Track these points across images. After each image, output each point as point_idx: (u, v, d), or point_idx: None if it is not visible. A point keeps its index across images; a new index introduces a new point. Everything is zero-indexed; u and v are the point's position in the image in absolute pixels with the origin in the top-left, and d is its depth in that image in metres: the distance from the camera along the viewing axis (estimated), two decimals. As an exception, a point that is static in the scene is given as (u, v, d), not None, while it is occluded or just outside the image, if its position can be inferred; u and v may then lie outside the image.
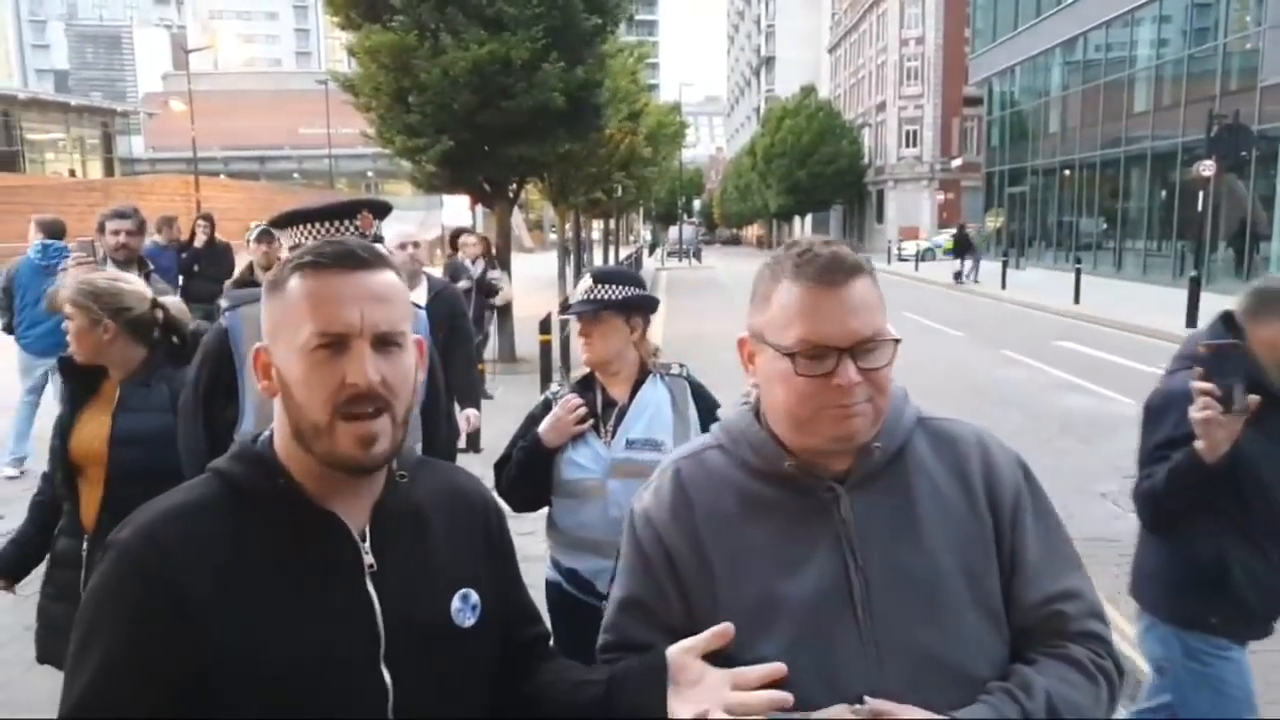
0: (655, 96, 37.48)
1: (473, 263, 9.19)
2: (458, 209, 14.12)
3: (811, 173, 55.70)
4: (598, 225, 35.49)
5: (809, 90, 59.40)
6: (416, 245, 4.51)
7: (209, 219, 8.58)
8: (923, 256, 37.39)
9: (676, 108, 37.45)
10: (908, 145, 55.98)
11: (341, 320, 1.06)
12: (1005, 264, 25.19)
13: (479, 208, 14.61)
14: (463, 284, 8.67)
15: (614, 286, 2.49)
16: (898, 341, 1.23)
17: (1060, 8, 29.82)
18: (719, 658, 1.18)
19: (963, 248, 27.15)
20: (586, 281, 2.53)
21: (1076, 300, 19.10)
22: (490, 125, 10.44)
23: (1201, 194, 17.96)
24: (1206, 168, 16.83)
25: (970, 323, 17.77)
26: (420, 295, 4.23)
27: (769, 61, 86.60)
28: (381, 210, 2.44)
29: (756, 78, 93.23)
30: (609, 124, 15.03)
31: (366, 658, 1.09)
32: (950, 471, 1.30)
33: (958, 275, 26.86)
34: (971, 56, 40.23)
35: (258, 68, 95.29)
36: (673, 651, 1.19)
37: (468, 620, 1.20)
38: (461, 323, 4.55)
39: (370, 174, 64.19)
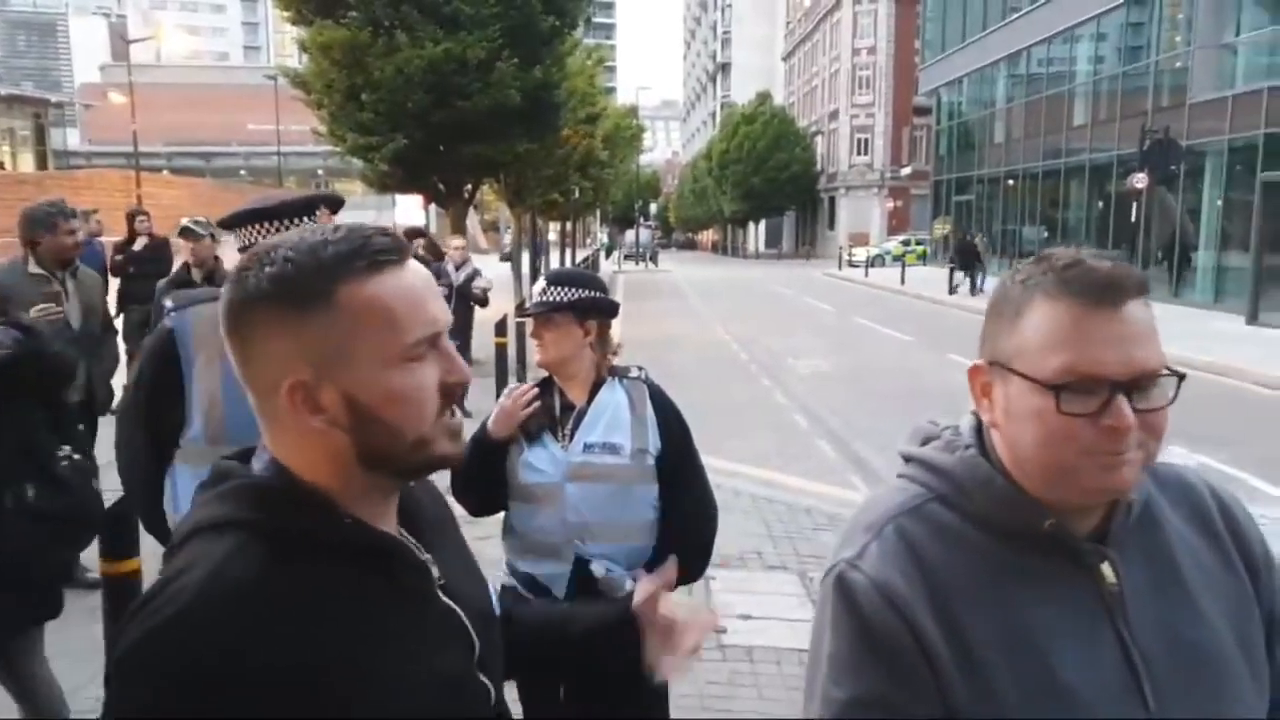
0: (612, 100, 37.59)
1: (457, 268, 9.02)
2: (410, 209, 14.14)
3: (766, 179, 56.34)
4: (555, 227, 35.53)
5: (764, 97, 60.08)
6: None
7: (146, 215, 8.46)
8: (872, 262, 37.99)
9: (633, 111, 37.64)
10: (859, 153, 56.87)
11: (434, 317, 0.94)
12: (952, 270, 25.79)
13: (432, 207, 14.62)
14: (440, 290, 8.55)
15: (567, 288, 2.45)
16: (1182, 378, 1.04)
17: (1005, 23, 30.58)
18: None
19: (968, 259, 24.82)
20: (541, 283, 2.51)
21: (1017, 306, 19.61)
22: (445, 124, 10.51)
23: (1135, 205, 18.62)
24: (1139, 180, 17.47)
25: (918, 327, 18.19)
26: None
27: (725, 67, 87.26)
28: (337, 205, 2.37)
29: (713, 83, 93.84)
30: (566, 125, 15.13)
31: (468, 668, 1.03)
32: (1193, 524, 1.13)
33: (953, 289, 24.83)
34: (921, 67, 40.92)
35: (203, 61, 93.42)
36: (638, 608, 1.23)
37: (497, 608, 1.17)
38: None
39: (320, 172, 63.30)
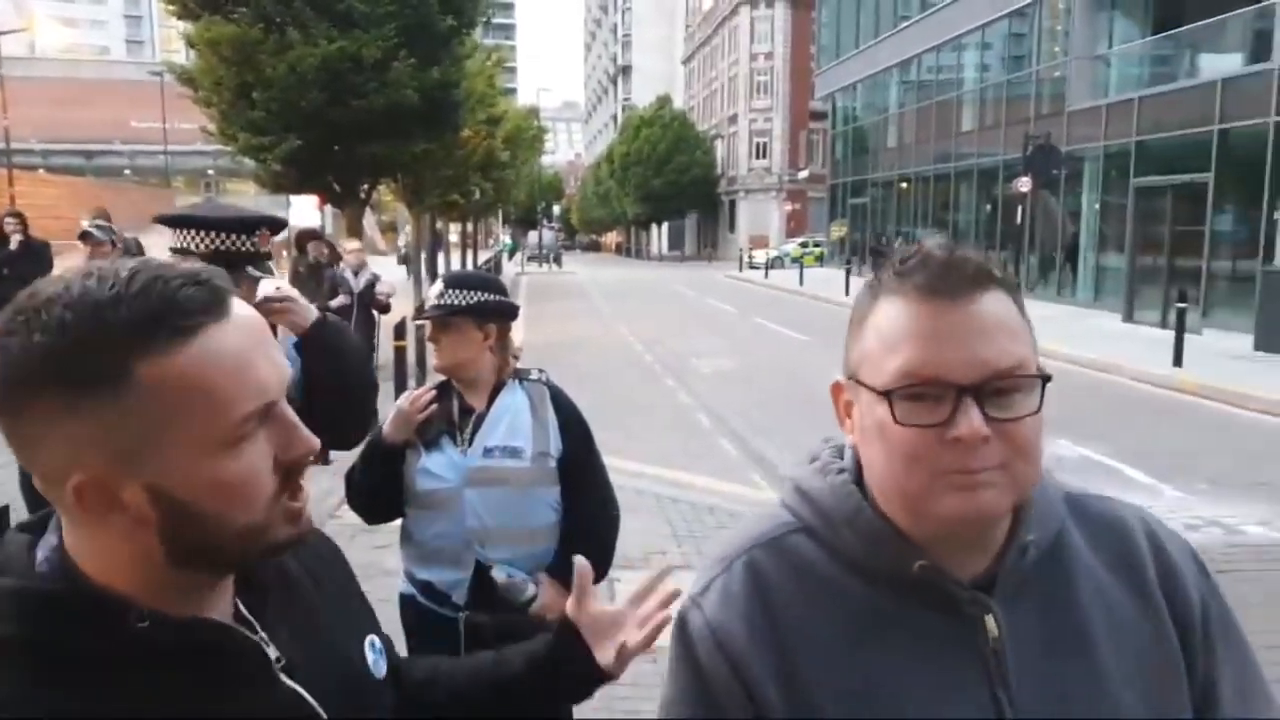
0: (513, 101, 37.35)
1: (355, 274, 8.72)
2: (305, 210, 13.77)
3: (667, 181, 56.83)
4: (455, 228, 35.07)
5: (665, 100, 60.60)
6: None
7: (20, 216, 8.04)
8: (772, 264, 38.70)
9: (534, 112, 37.47)
10: (758, 157, 57.86)
11: (263, 383, 0.79)
12: (848, 272, 26.48)
13: (328, 208, 14.29)
14: (339, 300, 8.19)
15: (466, 291, 2.41)
16: (1046, 379, 0.88)
17: (896, 30, 31.55)
18: None
19: (881, 264, 26.87)
20: (439, 286, 2.47)
21: (911, 306, 20.29)
22: (341, 124, 10.28)
23: (1020, 208, 19.46)
24: (1023, 184, 18.26)
25: (817, 328, 18.62)
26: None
27: (626, 70, 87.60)
28: (279, 228, 2.32)
29: (614, 85, 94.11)
30: (466, 126, 14.98)
31: None
32: (1117, 571, 0.95)
33: None
34: (817, 73, 41.84)
35: (81, 54, 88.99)
36: (573, 614, 1.17)
37: (382, 670, 1.02)
38: None
39: (211, 172, 60.99)
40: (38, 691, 0.73)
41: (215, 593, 0.84)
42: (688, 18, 75.73)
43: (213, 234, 2.10)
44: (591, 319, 20.95)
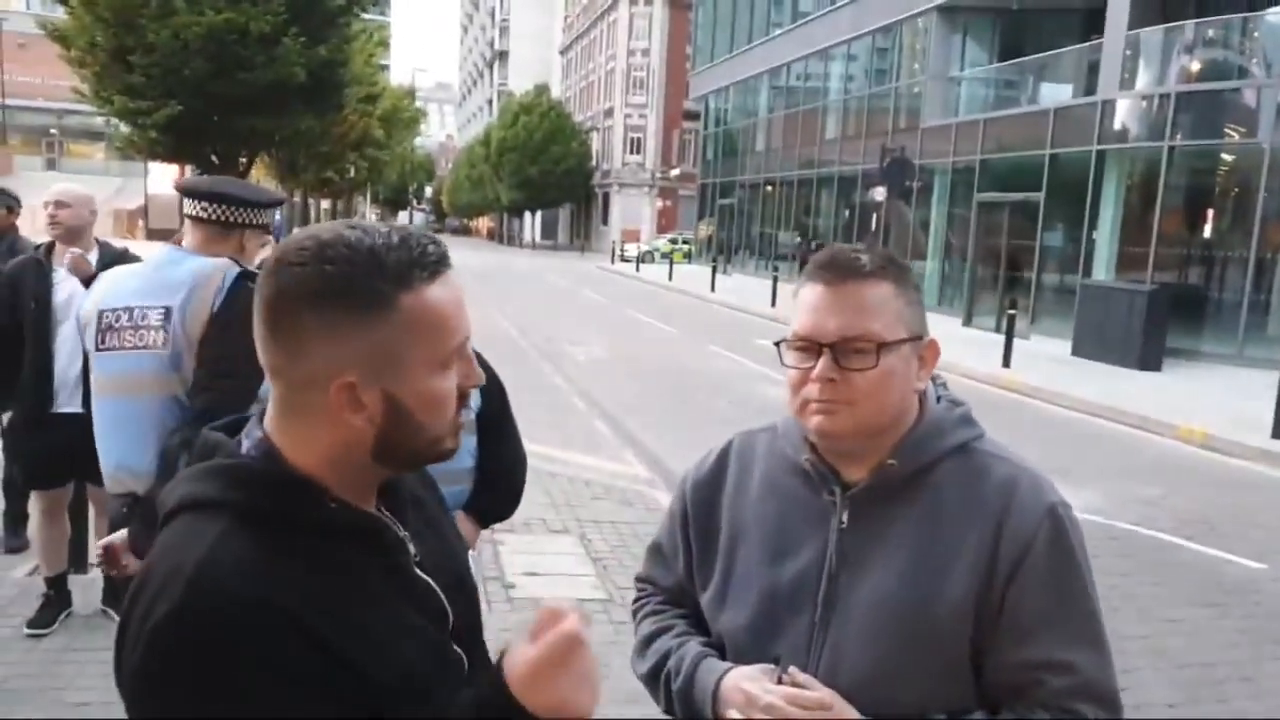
0: (386, 77, 36.61)
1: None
2: (163, 180, 13.36)
3: (542, 170, 56.61)
4: (325, 205, 34.18)
5: (543, 89, 60.30)
6: (62, 206, 3.88)
7: None
8: (643, 258, 39.36)
9: (412, 93, 36.85)
10: (632, 152, 58.37)
11: (467, 324, 1.00)
12: (715, 269, 27.44)
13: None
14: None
15: None
16: (882, 346, 1.21)
17: (768, 38, 32.58)
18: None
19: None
20: None
21: (773, 304, 21.32)
22: (224, 95, 10.15)
23: (875, 216, 20.69)
24: (879, 193, 19.46)
25: (682, 321, 19.32)
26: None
27: (503, 55, 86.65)
28: (280, 205, 2.77)
29: (490, 70, 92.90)
30: (349, 103, 14.87)
31: (444, 638, 1.06)
32: (965, 507, 1.25)
33: None
34: (692, 73, 42.51)
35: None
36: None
37: (475, 579, 1.20)
38: None
39: (54, 131, 56.74)
40: (264, 545, 0.90)
41: (371, 494, 1.03)
42: (567, 8, 75.58)
43: (243, 209, 2.53)
44: (466, 303, 20.98)
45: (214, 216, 2.46)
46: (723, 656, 1.34)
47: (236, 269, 2.61)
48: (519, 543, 5.50)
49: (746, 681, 1.24)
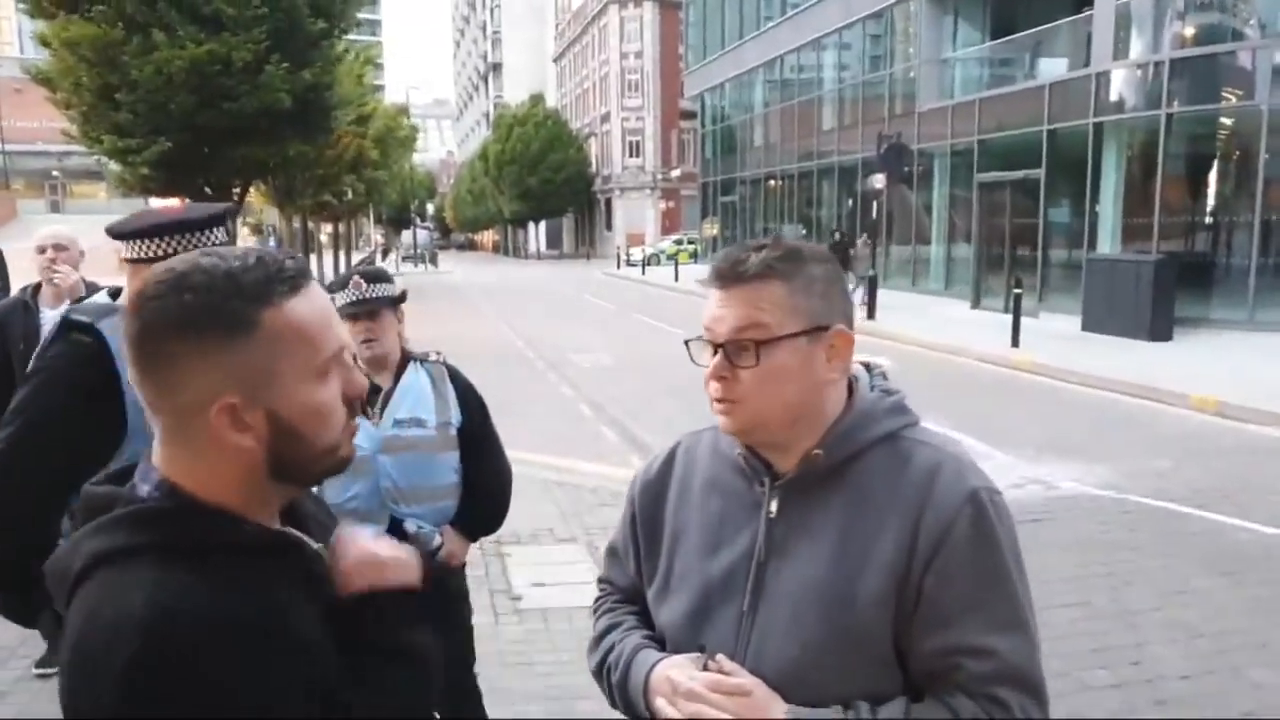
0: (381, 97, 36.76)
1: None
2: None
3: (542, 180, 56.82)
4: (327, 229, 34.36)
5: (538, 99, 60.51)
6: (61, 250, 3.96)
7: None
8: (648, 261, 39.36)
9: (405, 111, 37.00)
10: (631, 155, 58.45)
11: (339, 333, 1.03)
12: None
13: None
14: None
15: (384, 284, 2.70)
16: (761, 343, 1.23)
17: (761, 31, 32.52)
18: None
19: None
20: (359, 281, 2.69)
21: (779, 298, 21.18)
22: (212, 126, 10.18)
23: (876, 203, 20.62)
24: (879, 180, 19.39)
25: (688, 323, 19.21)
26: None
27: (496, 68, 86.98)
28: (234, 216, 2.41)
29: (485, 83, 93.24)
30: (339, 126, 14.90)
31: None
32: (889, 495, 1.25)
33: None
34: (686, 72, 42.50)
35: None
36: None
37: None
38: None
39: (56, 174, 57.35)
40: (203, 577, 0.91)
41: (276, 517, 1.06)
42: (557, 16, 75.78)
43: (185, 236, 2.04)
44: (473, 318, 21.05)
45: (151, 254, 2.03)
46: (663, 649, 1.37)
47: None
48: (525, 554, 5.48)
49: (673, 669, 1.28)
